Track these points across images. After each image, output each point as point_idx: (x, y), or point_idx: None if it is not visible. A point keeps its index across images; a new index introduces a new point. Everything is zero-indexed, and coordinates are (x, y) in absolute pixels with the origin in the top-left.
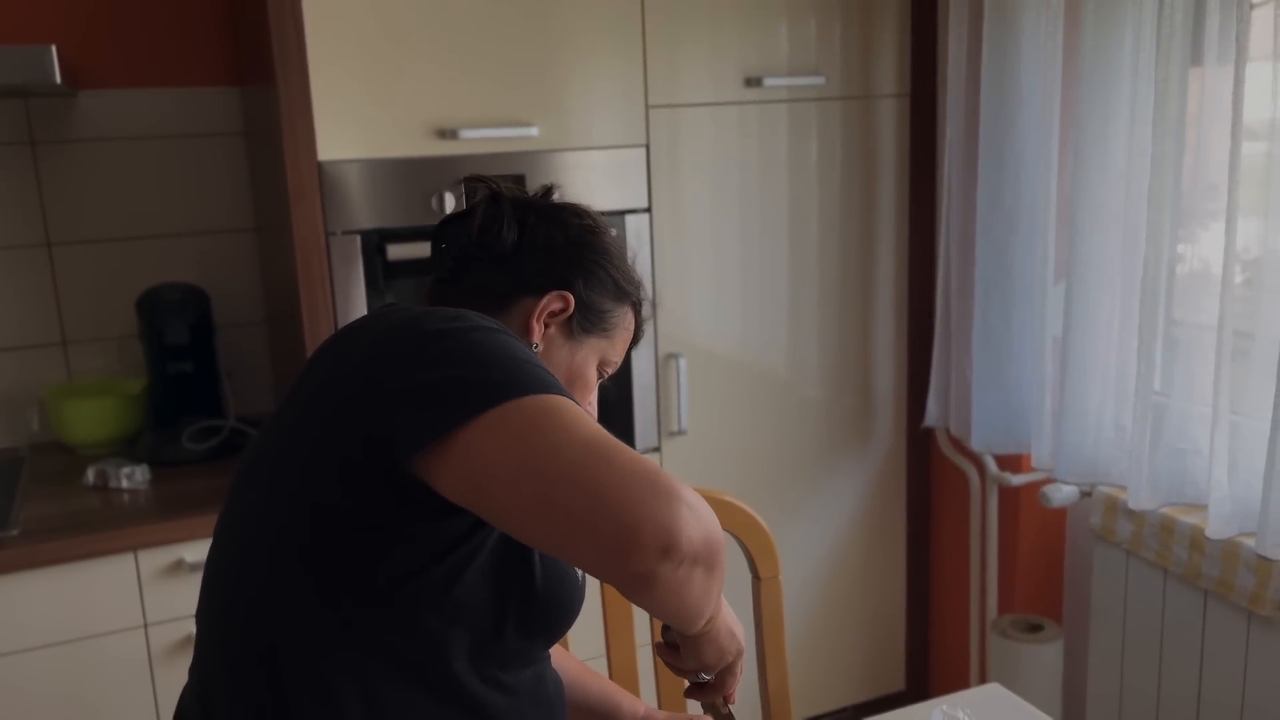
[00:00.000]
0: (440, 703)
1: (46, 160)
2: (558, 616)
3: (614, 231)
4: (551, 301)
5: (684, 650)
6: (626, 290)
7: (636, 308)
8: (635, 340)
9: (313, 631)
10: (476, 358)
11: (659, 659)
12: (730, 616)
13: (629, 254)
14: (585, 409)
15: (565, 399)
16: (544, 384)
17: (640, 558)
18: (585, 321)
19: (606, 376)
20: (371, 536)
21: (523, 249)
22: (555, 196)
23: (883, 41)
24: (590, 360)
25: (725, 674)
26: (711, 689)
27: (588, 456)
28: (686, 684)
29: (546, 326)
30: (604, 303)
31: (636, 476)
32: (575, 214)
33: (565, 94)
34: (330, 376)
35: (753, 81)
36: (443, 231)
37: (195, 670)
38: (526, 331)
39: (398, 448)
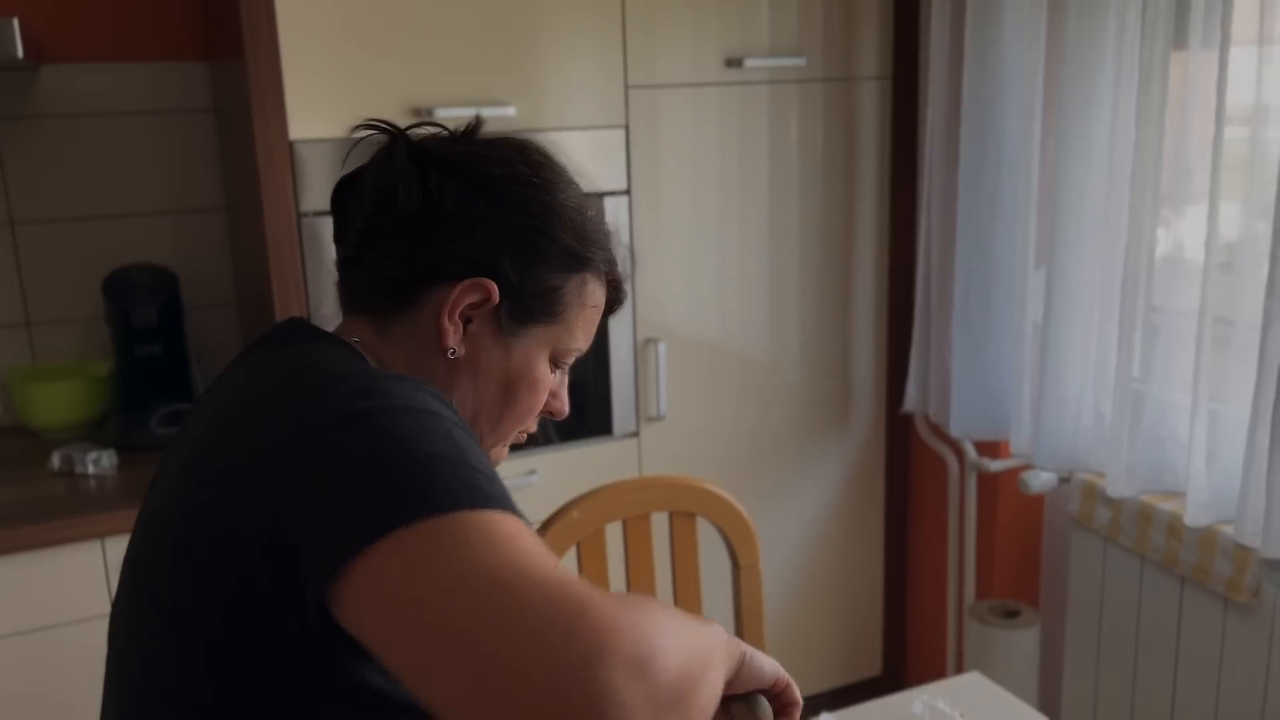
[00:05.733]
0: None
1: (9, 136)
2: None
3: (568, 176)
4: (464, 294)
5: (739, 681)
6: (583, 255)
7: (604, 272)
8: (612, 310)
9: None
10: (373, 462)
11: None
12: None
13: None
14: (544, 411)
15: (478, 514)
16: (453, 493)
17: None
18: (520, 309)
19: (567, 365)
20: (281, 662)
21: (431, 218)
22: (483, 135)
23: (865, 23)
24: (536, 355)
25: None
26: None
27: (482, 606)
28: None
29: (467, 322)
30: (548, 278)
31: (549, 635)
32: (501, 161)
33: (543, 73)
34: (214, 471)
35: (733, 62)
36: (341, 198)
37: None
38: (441, 333)
39: (297, 575)
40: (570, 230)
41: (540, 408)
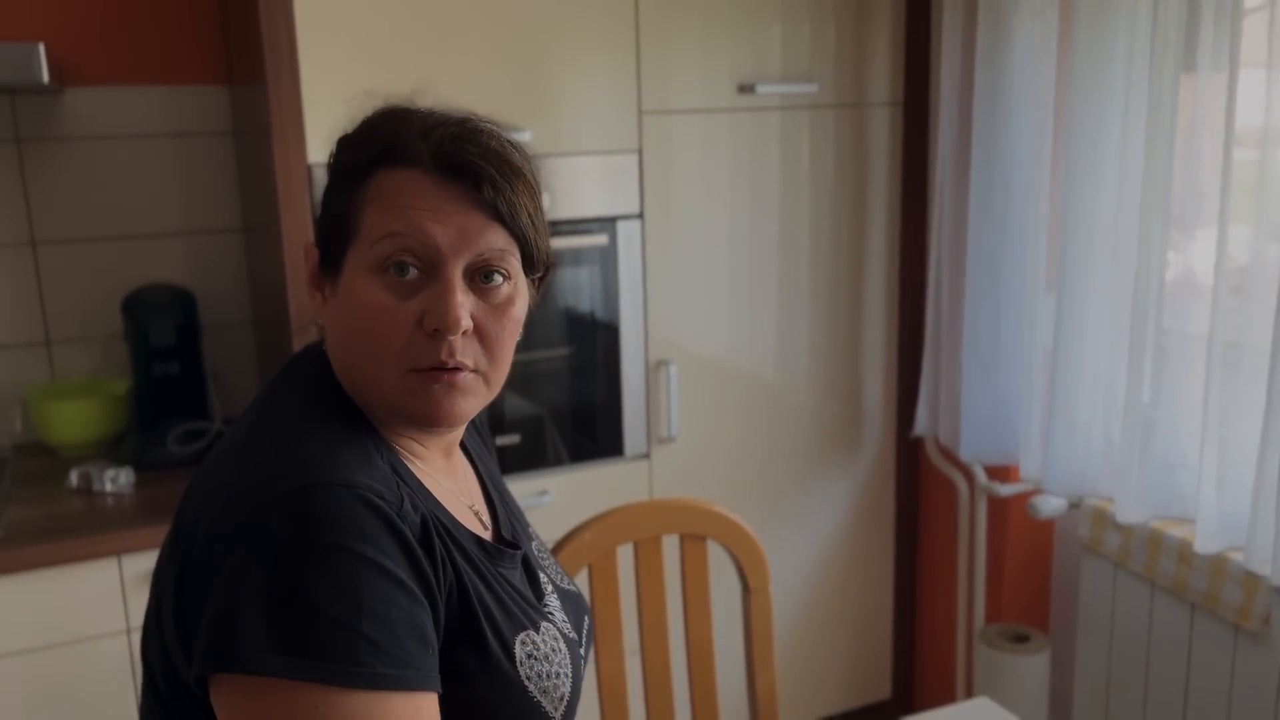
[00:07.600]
0: None
1: (32, 158)
2: None
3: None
4: (306, 266)
5: None
6: (358, 159)
7: (386, 154)
8: (442, 155)
9: None
10: (268, 599)
11: None
12: None
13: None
14: (431, 328)
15: (317, 690)
16: (314, 663)
17: None
18: (327, 248)
19: (408, 262)
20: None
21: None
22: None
23: (876, 49)
24: (356, 283)
25: None
26: None
27: None
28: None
29: (321, 292)
30: (336, 204)
31: None
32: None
33: (558, 99)
34: (177, 532)
35: (746, 88)
36: None
37: None
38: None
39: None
40: (340, 152)
41: (402, 329)
